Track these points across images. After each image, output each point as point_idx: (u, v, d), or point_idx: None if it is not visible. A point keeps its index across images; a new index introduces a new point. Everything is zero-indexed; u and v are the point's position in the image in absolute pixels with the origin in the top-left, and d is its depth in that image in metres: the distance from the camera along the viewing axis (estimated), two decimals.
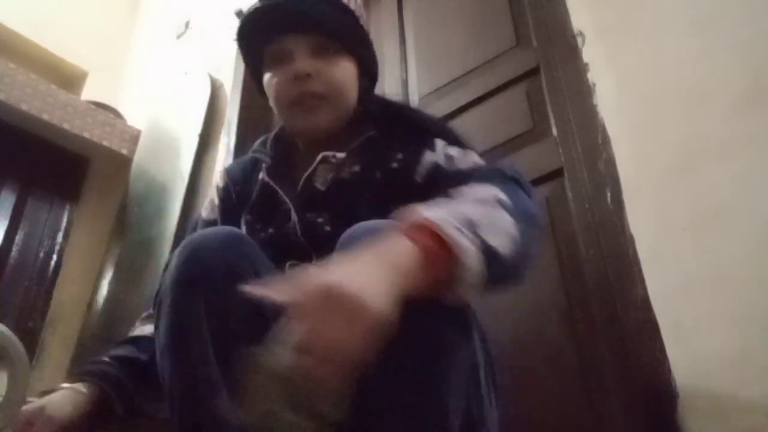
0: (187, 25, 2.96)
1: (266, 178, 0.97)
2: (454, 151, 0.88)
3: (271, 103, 0.98)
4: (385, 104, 1.03)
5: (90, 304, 2.46)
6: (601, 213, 1.26)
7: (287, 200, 0.92)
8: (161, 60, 3.04)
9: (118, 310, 2.26)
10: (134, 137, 2.74)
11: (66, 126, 2.52)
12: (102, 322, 2.33)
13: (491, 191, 0.68)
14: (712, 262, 1.09)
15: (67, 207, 2.72)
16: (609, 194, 1.26)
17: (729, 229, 1.09)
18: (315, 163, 0.93)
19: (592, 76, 1.40)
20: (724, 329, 1.04)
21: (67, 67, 3.04)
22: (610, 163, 1.29)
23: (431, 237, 0.55)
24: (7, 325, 0.70)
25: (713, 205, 1.12)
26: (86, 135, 2.58)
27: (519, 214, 0.66)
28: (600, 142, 1.32)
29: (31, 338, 2.31)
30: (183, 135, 2.46)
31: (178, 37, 2.98)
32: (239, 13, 2.60)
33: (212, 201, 1.06)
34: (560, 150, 1.40)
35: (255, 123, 2.35)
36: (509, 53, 1.66)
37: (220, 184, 1.06)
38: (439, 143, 0.90)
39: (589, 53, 1.43)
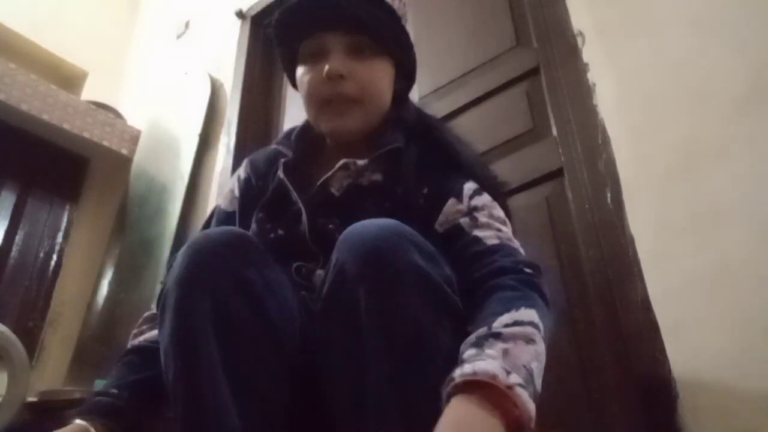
0: (187, 25, 2.97)
1: (281, 175, 0.93)
2: (479, 202, 0.85)
3: (303, 98, 0.95)
4: (420, 116, 0.99)
5: (90, 303, 2.46)
6: (601, 213, 1.26)
7: (299, 202, 0.90)
8: (161, 60, 3.04)
9: (117, 310, 2.26)
10: (134, 137, 2.74)
11: (66, 126, 2.53)
12: (102, 321, 2.33)
13: (532, 318, 0.67)
14: (712, 262, 1.09)
15: (67, 207, 2.72)
16: (609, 194, 1.26)
17: (729, 229, 1.09)
18: (334, 169, 0.90)
19: (592, 76, 1.41)
20: (724, 329, 1.04)
21: (67, 67, 3.04)
22: (610, 163, 1.29)
23: (507, 402, 0.56)
24: (7, 325, 0.71)
25: (713, 205, 1.12)
26: (86, 135, 2.59)
27: (547, 337, 0.68)
28: (600, 142, 1.32)
29: (31, 338, 2.31)
30: (183, 135, 2.46)
31: (178, 37, 2.98)
32: (239, 13, 2.60)
33: (232, 191, 1.03)
34: (560, 150, 1.40)
35: (255, 123, 2.35)
36: (509, 53, 1.66)
37: (242, 176, 1.03)
38: (467, 189, 0.86)
39: (589, 53, 1.44)
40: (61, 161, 2.70)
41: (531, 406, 0.55)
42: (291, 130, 1.03)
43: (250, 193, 0.99)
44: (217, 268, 0.70)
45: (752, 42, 1.18)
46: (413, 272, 0.64)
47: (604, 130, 1.33)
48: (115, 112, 2.80)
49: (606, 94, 1.37)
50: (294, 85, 0.99)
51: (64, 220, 2.69)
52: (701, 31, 1.26)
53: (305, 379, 0.74)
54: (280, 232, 0.90)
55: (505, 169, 1.41)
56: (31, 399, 1.78)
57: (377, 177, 0.90)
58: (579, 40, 1.46)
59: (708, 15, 1.26)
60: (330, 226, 0.86)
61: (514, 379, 0.56)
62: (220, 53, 2.60)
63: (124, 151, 2.70)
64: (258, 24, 2.58)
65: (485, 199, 0.86)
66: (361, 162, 0.89)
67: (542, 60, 1.54)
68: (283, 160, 0.96)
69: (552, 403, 1.23)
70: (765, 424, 0.94)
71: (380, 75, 0.92)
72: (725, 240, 1.09)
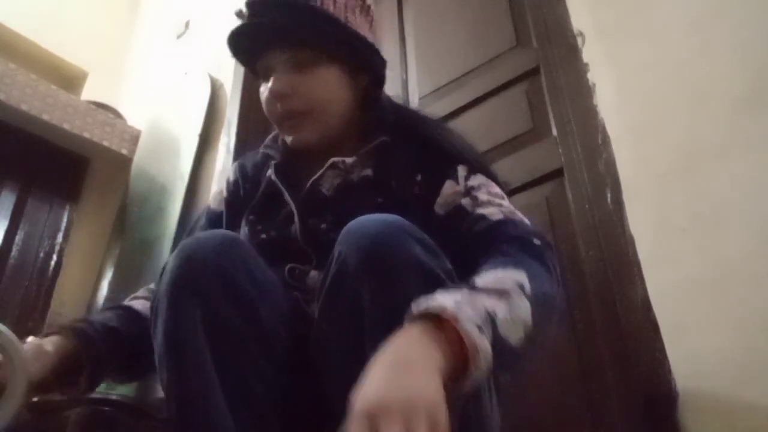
0: (187, 25, 2.96)
1: (273, 177, 0.95)
2: (476, 181, 0.87)
3: None
4: (396, 109, 1.00)
5: (90, 304, 2.46)
6: (601, 213, 1.26)
7: (291, 203, 0.91)
8: (161, 60, 3.04)
9: None
10: (134, 137, 2.74)
11: (66, 126, 2.52)
12: None
13: (516, 277, 0.66)
14: (712, 262, 1.09)
15: (67, 207, 2.72)
16: (609, 194, 1.26)
17: (729, 229, 1.09)
18: (324, 169, 0.91)
19: (592, 76, 1.40)
20: (724, 329, 1.03)
21: (67, 67, 3.03)
22: (610, 163, 1.29)
23: (456, 337, 0.55)
24: (7, 325, 0.70)
25: (713, 205, 1.12)
26: (86, 135, 2.58)
27: (538, 300, 0.66)
28: (600, 142, 1.32)
29: None
30: (183, 135, 2.46)
31: (178, 37, 2.98)
32: (239, 14, 2.60)
33: (221, 192, 1.05)
34: (560, 150, 1.40)
35: (255, 123, 2.35)
36: (509, 53, 1.66)
37: (231, 178, 1.05)
38: (461, 171, 0.88)
39: (589, 53, 1.43)
40: (61, 161, 2.70)
41: (479, 341, 0.55)
42: (277, 134, 1.03)
43: (237, 197, 1.01)
44: (208, 273, 0.71)
45: (752, 42, 1.18)
46: (415, 266, 0.65)
47: (604, 130, 1.33)
48: (115, 112, 2.80)
49: (606, 94, 1.37)
50: None
51: (64, 220, 2.69)
52: (701, 32, 1.25)
53: (300, 380, 0.74)
54: (272, 233, 0.91)
55: (505, 169, 1.41)
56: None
57: (367, 172, 0.91)
58: (579, 40, 1.46)
59: (708, 16, 1.26)
60: (322, 226, 0.87)
61: (465, 314, 0.56)
62: (220, 53, 2.59)
63: (124, 151, 2.69)
64: None
65: (480, 178, 0.87)
66: (349, 159, 0.90)
67: (542, 60, 1.54)
68: (273, 161, 0.97)
69: (552, 403, 1.24)
70: (765, 425, 0.94)
71: (325, 83, 0.91)
72: (725, 240, 1.08)
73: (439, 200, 0.86)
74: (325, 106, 0.91)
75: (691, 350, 1.06)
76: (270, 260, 0.81)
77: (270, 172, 0.96)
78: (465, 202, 0.84)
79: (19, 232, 2.51)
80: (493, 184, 0.88)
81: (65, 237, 2.66)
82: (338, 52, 0.91)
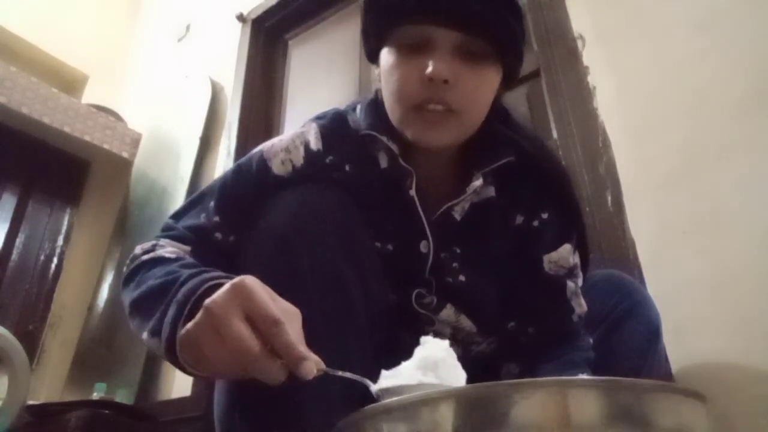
0: (187, 28, 2.97)
1: (413, 194, 0.79)
2: (577, 259, 0.84)
3: (386, 91, 0.78)
4: (516, 125, 0.87)
5: (90, 307, 2.46)
6: (601, 215, 1.26)
7: (428, 231, 0.80)
8: (162, 63, 3.04)
9: (118, 313, 2.26)
10: (135, 140, 2.74)
11: (67, 129, 2.53)
12: (102, 324, 2.33)
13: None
14: (712, 264, 1.09)
15: (68, 210, 2.72)
16: (609, 197, 1.26)
17: (729, 231, 1.09)
18: (466, 195, 0.79)
19: (592, 79, 1.41)
20: (725, 331, 1.04)
21: (68, 70, 3.04)
22: (611, 165, 1.29)
23: None
24: (8, 329, 0.70)
25: (714, 207, 1.12)
26: (87, 138, 2.59)
27: None
28: (600, 144, 1.32)
29: (31, 341, 2.31)
30: (184, 138, 2.46)
31: (179, 40, 2.99)
32: (240, 17, 2.60)
33: (290, 161, 0.80)
34: (560, 153, 1.40)
35: (256, 126, 2.35)
36: None
37: (312, 147, 0.81)
38: (574, 240, 0.84)
39: (589, 56, 1.44)
40: (61, 164, 2.70)
41: None
42: (373, 109, 0.83)
43: (316, 167, 0.80)
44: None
45: (752, 44, 1.18)
46: None
47: (604, 133, 1.33)
48: (115, 115, 2.80)
49: (606, 96, 1.37)
50: (370, 59, 0.83)
51: (65, 223, 2.69)
52: (701, 34, 1.26)
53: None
54: (389, 247, 0.80)
55: None
56: (31, 402, 1.78)
57: (490, 192, 0.82)
58: (579, 43, 1.47)
59: (708, 18, 1.26)
60: (454, 264, 0.82)
61: None
62: (221, 56, 2.60)
63: (125, 154, 2.70)
64: (259, 27, 2.58)
65: (577, 258, 0.85)
66: (477, 182, 0.79)
67: (542, 63, 1.54)
68: (411, 174, 0.80)
69: None
70: (765, 426, 0.94)
71: (487, 86, 0.77)
72: (726, 243, 1.09)
73: (554, 255, 0.81)
74: (476, 111, 0.77)
75: (691, 352, 1.06)
76: (384, 272, 0.76)
77: (410, 188, 0.80)
78: (570, 285, 0.82)
79: (19, 235, 2.51)
80: (580, 274, 0.86)
81: (66, 240, 2.66)
82: (508, 55, 0.77)
